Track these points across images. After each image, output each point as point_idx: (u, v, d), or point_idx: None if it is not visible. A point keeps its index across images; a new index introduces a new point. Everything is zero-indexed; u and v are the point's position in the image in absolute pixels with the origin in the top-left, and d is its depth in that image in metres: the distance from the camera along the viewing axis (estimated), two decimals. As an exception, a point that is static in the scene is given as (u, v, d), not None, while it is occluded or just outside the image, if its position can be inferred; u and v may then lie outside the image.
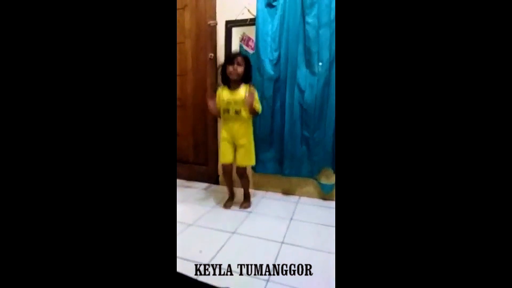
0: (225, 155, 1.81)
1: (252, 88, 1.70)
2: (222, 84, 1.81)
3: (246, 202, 1.91)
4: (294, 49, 1.89)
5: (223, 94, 1.75)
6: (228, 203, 1.90)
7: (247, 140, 1.77)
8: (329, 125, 1.91)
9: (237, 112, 1.72)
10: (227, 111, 1.74)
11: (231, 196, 1.94)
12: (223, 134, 1.79)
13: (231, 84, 1.74)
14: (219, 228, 1.60)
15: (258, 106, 1.72)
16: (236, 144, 1.78)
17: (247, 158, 1.80)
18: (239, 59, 1.69)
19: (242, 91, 1.72)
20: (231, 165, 1.83)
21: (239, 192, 1.97)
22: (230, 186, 1.93)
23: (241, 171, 1.85)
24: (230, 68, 1.68)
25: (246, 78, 1.74)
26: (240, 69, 1.69)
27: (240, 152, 1.78)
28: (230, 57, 1.75)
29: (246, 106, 1.68)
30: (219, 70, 1.85)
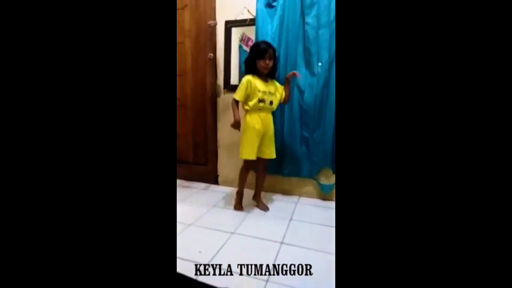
0: (252, 151, 1.72)
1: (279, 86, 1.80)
2: (246, 73, 1.73)
3: (263, 203, 1.90)
4: (293, 49, 1.89)
5: (258, 84, 1.68)
6: (241, 206, 1.86)
7: (273, 130, 1.80)
8: (328, 126, 1.91)
9: (271, 103, 1.73)
10: (262, 101, 1.69)
11: (242, 197, 1.89)
12: (255, 126, 1.69)
13: (260, 75, 1.71)
14: (218, 228, 1.60)
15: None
16: (267, 135, 1.76)
17: (274, 149, 1.81)
18: (271, 52, 1.66)
19: (274, 84, 1.77)
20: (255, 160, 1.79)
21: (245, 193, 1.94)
22: (244, 185, 1.89)
23: (268, 164, 1.85)
24: (262, 63, 1.65)
25: (272, 71, 1.75)
26: (271, 63, 1.68)
27: (269, 144, 1.78)
28: (261, 50, 1.65)
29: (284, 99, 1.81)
30: (243, 61, 1.79)
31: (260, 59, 1.65)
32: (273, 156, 1.82)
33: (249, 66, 1.71)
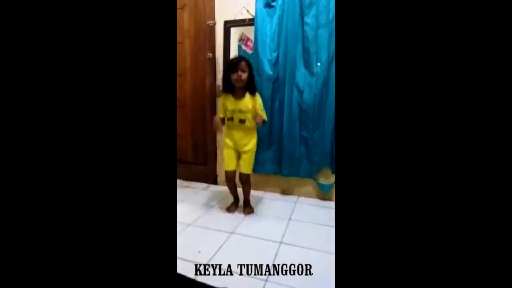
0: (228, 163, 1.77)
1: (258, 103, 1.68)
2: (223, 92, 1.75)
3: (249, 207, 1.86)
4: (292, 49, 1.89)
5: (228, 102, 1.71)
6: (232, 207, 1.86)
7: (250, 148, 1.74)
8: (327, 125, 1.91)
9: (242, 121, 1.68)
10: (231, 119, 1.70)
11: (235, 200, 1.90)
12: (227, 141, 1.76)
13: (236, 91, 1.69)
14: (218, 228, 1.60)
15: (264, 117, 1.71)
16: (240, 151, 1.75)
17: (249, 165, 1.78)
18: (243, 64, 1.62)
19: (248, 100, 1.67)
20: (234, 171, 1.80)
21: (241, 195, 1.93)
22: (234, 192, 1.89)
23: (245, 178, 1.80)
24: (235, 76, 1.62)
25: (250, 85, 1.68)
26: (245, 76, 1.62)
27: (244, 159, 1.75)
28: (233, 63, 1.65)
29: (254, 123, 1.68)
30: (221, 77, 1.81)
31: (233, 73, 1.63)
32: (247, 171, 1.78)
33: (225, 82, 1.72)
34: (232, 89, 1.69)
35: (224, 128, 1.81)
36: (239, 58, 1.70)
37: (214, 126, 1.77)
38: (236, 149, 1.75)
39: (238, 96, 1.68)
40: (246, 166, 1.77)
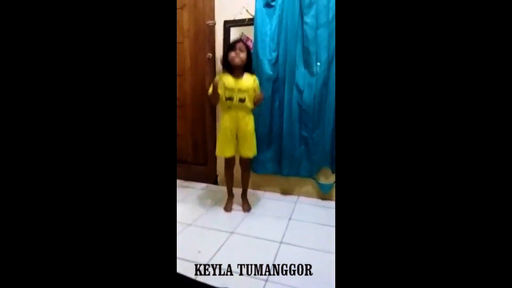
0: (225, 148, 1.75)
1: (256, 83, 1.72)
2: (222, 72, 1.76)
3: (247, 204, 1.88)
4: (292, 49, 1.89)
5: (227, 81, 1.69)
6: (229, 205, 1.87)
7: (251, 128, 1.75)
8: (327, 125, 1.91)
9: (242, 101, 1.68)
10: (230, 99, 1.68)
11: (231, 196, 1.91)
12: (225, 124, 1.73)
13: (234, 71, 1.69)
14: (218, 228, 1.60)
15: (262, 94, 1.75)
16: (239, 134, 1.74)
17: (252, 147, 1.77)
18: (241, 45, 1.66)
19: (247, 79, 1.70)
20: (234, 158, 1.80)
21: (236, 192, 1.94)
22: (231, 184, 1.89)
23: (247, 162, 1.82)
24: (233, 54, 1.65)
25: (248, 66, 1.71)
26: (243, 55, 1.65)
27: (243, 143, 1.75)
28: (231, 44, 1.71)
29: (255, 101, 1.70)
30: (221, 60, 1.80)
31: (231, 51, 1.66)
32: (249, 155, 1.77)
33: (224, 61, 1.73)
34: (231, 69, 1.70)
35: (221, 111, 1.79)
36: (237, 40, 1.76)
37: (214, 83, 1.66)
38: (236, 132, 1.73)
39: (237, 75, 1.70)
40: (248, 149, 1.76)
